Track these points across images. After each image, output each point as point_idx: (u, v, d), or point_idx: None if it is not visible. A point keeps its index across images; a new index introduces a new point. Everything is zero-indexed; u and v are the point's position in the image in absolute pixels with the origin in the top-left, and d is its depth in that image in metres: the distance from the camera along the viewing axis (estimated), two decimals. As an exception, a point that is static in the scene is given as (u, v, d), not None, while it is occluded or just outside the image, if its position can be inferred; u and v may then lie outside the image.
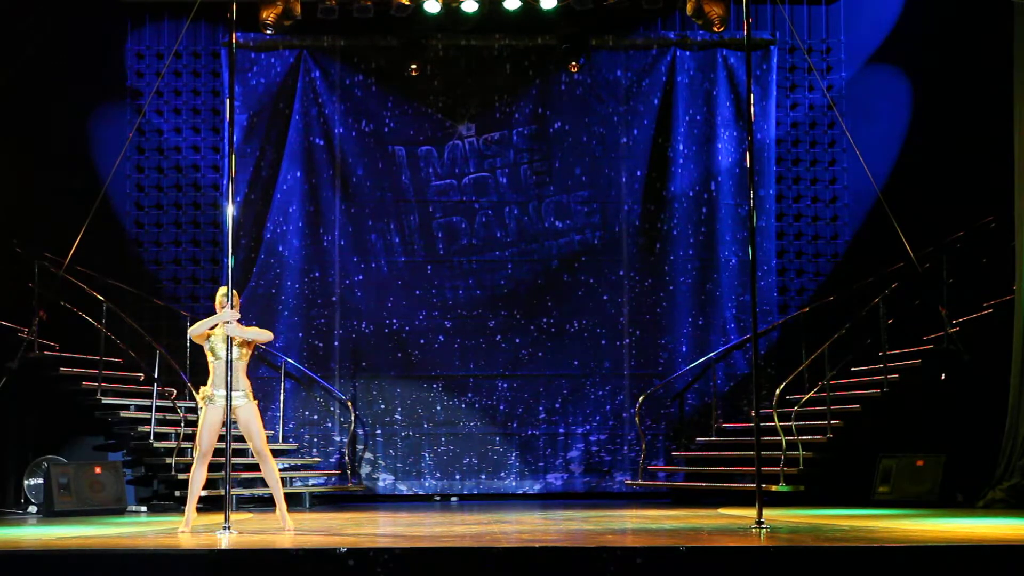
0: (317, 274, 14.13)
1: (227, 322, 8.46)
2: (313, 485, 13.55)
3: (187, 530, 8.45)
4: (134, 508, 12.08)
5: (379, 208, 14.25)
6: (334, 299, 14.11)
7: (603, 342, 14.09)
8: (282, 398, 13.67)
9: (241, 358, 8.63)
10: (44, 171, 13.44)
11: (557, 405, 14.04)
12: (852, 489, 11.64)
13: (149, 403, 12.39)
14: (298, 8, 13.29)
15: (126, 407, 12.56)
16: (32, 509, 11.76)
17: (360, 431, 13.98)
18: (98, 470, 11.74)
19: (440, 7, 13.26)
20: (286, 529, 8.56)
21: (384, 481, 13.98)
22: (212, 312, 8.78)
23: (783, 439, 11.54)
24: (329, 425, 13.99)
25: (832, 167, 14.31)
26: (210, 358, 8.65)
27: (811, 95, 14.36)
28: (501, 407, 14.06)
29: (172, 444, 12.14)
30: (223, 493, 8.72)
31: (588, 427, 14.02)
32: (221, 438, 8.45)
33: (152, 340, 12.76)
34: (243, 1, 12.28)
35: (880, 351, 12.08)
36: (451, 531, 8.48)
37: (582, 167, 14.29)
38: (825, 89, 14.01)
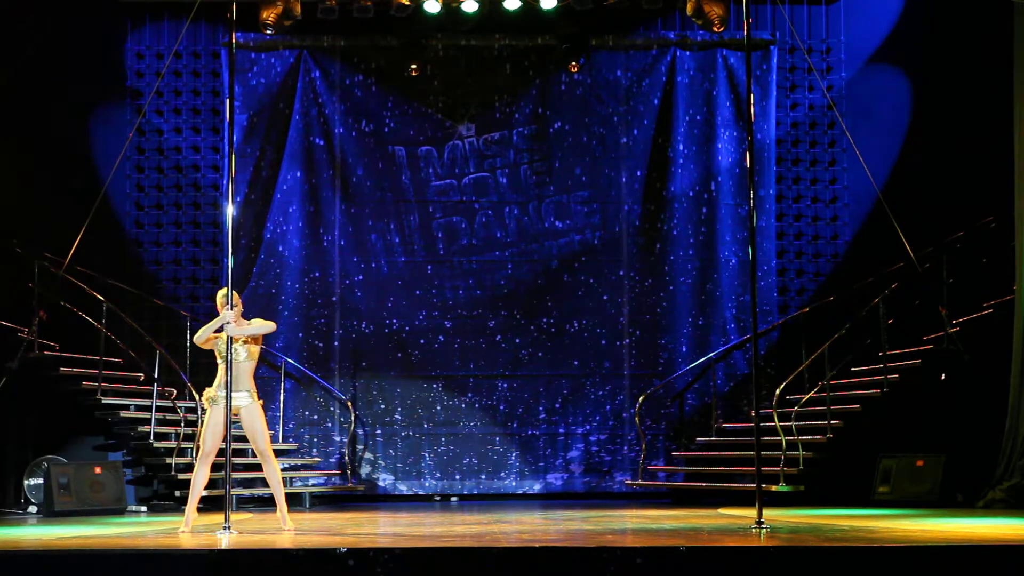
0: (317, 274, 14.14)
1: (227, 323, 8.46)
2: (313, 485, 13.55)
3: (187, 530, 8.46)
4: (134, 508, 12.08)
5: (379, 208, 14.25)
6: (334, 299, 14.11)
7: (603, 342, 14.09)
8: (282, 398, 13.67)
9: (250, 358, 8.63)
10: (44, 171, 13.44)
11: (557, 405, 14.04)
12: (852, 489, 11.63)
13: (149, 403, 12.39)
14: (298, 8, 13.28)
15: (126, 407, 12.57)
16: (32, 509, 11.76)
17: (360, 431, 13.98)
18: (98, 470, 11.73)
19: (440, 7, 13.26)
20: (286, 529, 8.57)
21: (384, 481, 13.98)
22: (212, 312, 8.78)
23: (783, 439, 11.54)
24: (329, 425, 13.99)
25: (832, 167, 14.31)
26: (218, 359, 8.62)
27: (811, 95, 14.36)
28: (501, 407, 14.06)
29: (172, 444, 12.14)
30: (223, 493, 8.72)
31: (588, 427, 14.02)
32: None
33: (152, 340, 12.76)
34: (243, 1, 12.27)
35: (880, 351, 12.08)
36: (451, 531, 8.47)
37: (582, 167, 14.29)
38: (825, 89, 14.01)
